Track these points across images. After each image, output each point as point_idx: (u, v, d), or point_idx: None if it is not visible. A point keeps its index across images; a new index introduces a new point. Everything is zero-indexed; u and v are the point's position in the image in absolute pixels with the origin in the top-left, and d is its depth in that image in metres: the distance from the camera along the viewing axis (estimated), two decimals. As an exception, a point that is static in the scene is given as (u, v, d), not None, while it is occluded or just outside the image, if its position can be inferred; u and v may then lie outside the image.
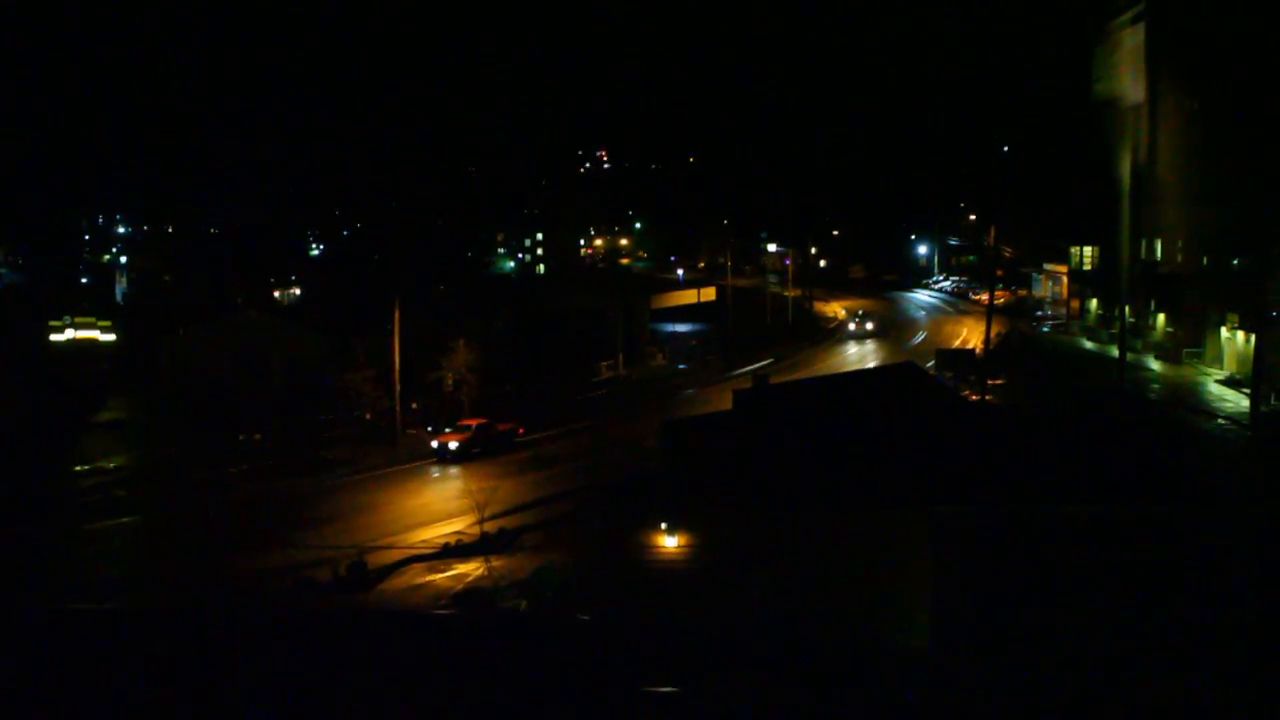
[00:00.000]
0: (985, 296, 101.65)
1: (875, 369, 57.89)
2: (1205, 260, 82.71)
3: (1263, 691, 26.47)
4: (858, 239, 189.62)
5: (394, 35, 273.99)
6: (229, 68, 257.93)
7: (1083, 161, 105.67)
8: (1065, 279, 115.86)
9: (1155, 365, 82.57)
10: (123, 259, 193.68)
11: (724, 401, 63.47)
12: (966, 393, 66.01)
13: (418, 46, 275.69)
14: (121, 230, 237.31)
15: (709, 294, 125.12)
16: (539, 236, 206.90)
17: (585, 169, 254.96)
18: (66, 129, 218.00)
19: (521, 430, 64.55)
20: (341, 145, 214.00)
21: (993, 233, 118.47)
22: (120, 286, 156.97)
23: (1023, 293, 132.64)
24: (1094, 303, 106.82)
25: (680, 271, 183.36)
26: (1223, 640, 26.49)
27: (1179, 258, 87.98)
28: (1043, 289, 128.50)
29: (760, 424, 35.32)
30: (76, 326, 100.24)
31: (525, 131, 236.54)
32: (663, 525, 28.55)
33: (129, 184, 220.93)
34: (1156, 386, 74.39)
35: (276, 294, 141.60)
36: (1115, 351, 72.20)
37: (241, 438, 65.18)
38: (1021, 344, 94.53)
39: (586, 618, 32.64)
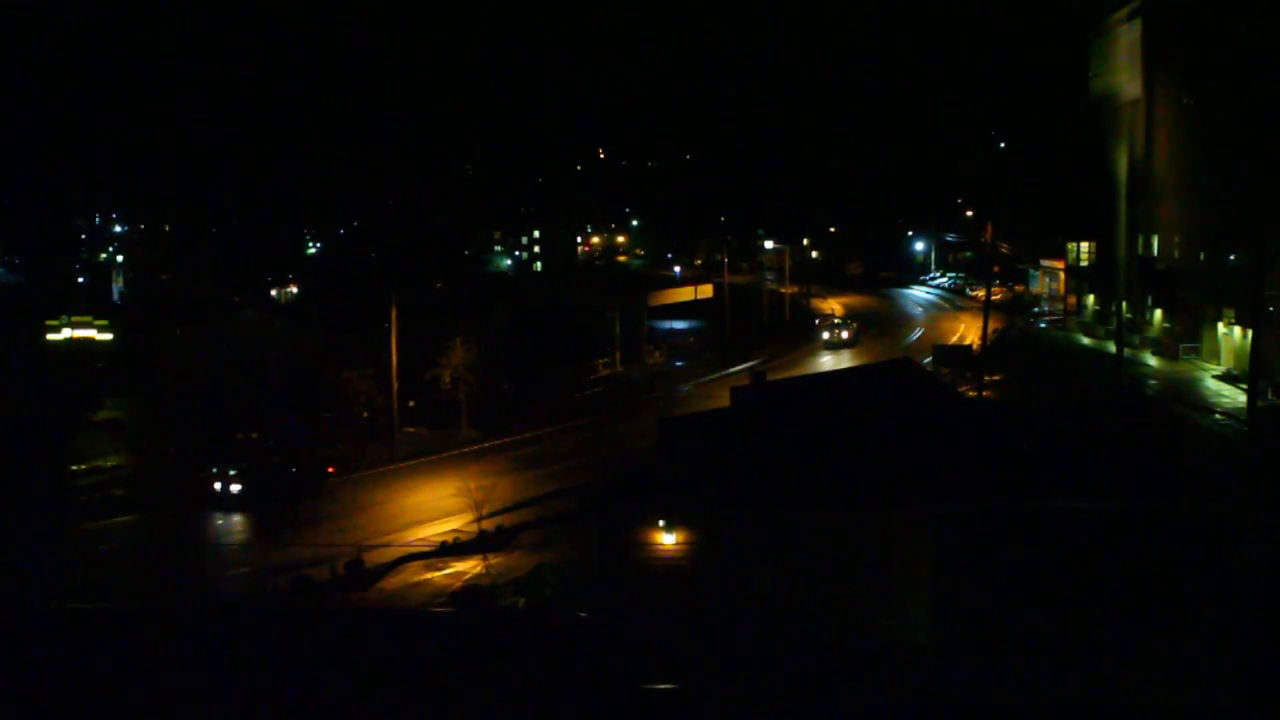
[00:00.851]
0: (982, 293, 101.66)
1: (873, 365, 57.82)
2: (1202, 256, 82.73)
3: (1262, 688, 26.48)
4: (855, 236, 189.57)
5: (390, 33, 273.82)
6: (226, 66, 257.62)
7: (1080, 157, 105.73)
8: (1062, 275, 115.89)
9: (1152, 361, 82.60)
10: (119, 258, 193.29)
11: (722, 399, 63.54)
12: (964, 389, 66.05)
13: (414, 44, 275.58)
14: (118, 229, 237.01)
15: (706, 291, 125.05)
16: (536, 234, 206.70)
17: (582, 166, 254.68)
18: (63, 128, 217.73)
19: (331, 470, 57.35)
20: (338, 143, 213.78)
21: (990, 229, 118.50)
22: (117, 285, 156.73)
23: (1020, 289, 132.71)
24: (1091, 298, 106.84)
25: (677, 269, 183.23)
26: (1222, 636, 26.50)
27: (1176, 253, 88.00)
28: (1040, 285, 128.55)
29: (758, 421, 35.30)
30: (73, 326, 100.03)
31: (522, 129, 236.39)
32: (661, 523, 28.52)
33: (126, 183, 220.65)
34: (1154, 382, 74.44)
35: (274, 292, 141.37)
36: (1113, 347, 72.24)
37: (238, 436, 65.10)
38: (1019, 340, 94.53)
39: (584, 615, 32.68)
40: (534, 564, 39.72)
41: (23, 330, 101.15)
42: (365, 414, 65.89)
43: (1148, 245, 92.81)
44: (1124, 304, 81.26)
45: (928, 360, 79.70)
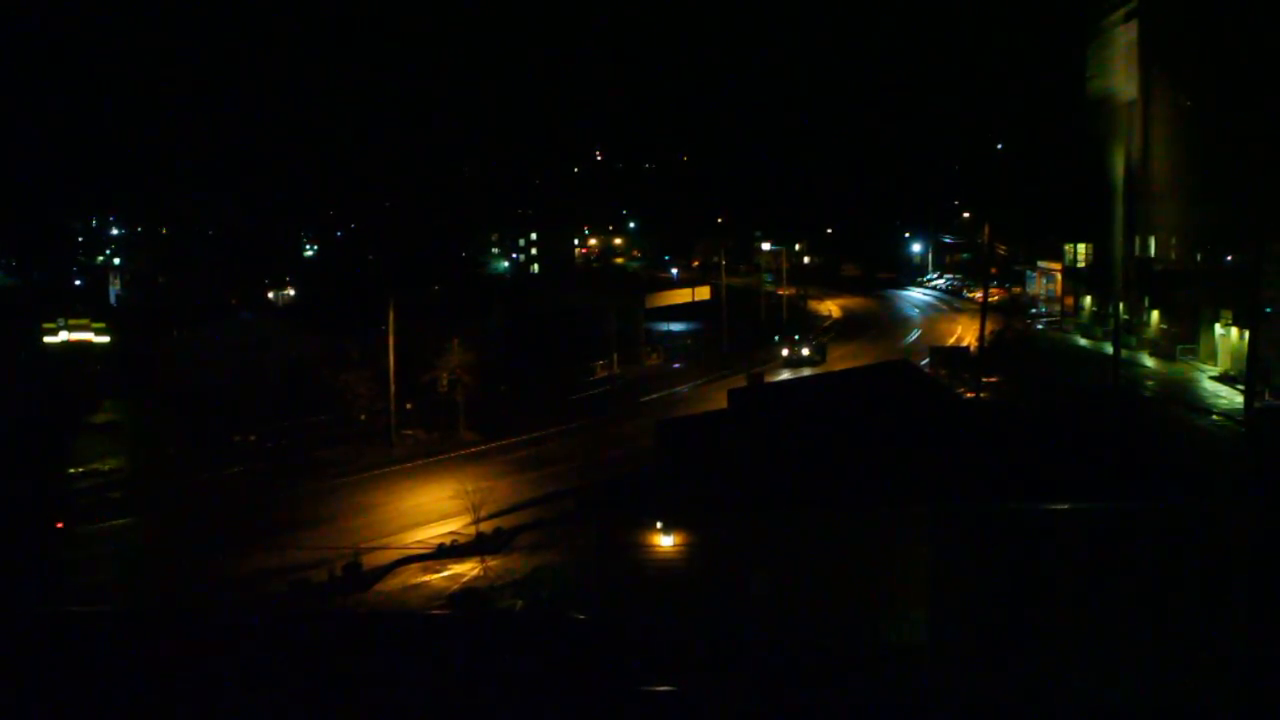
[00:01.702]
0: (979, 294, 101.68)
1: (870, 367, 57.75)
2: (1199, 257, 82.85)
3: (1261, 688, 26.50)
4: (852, 237, 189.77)
5: (387, 36, 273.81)
6: (223, 68, 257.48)
7: (1076, 159, 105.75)
8: (1059, 276, 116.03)
9: (1150, 362, 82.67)
10: (116, 260, 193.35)
11: (719, 400, 63.49)
12: (961, 390, 66.08)
13: (411, 47, 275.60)
14: (115, 232, 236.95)
15: (703, 293, 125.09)
16: (533, 236, 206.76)
17: (579, 168, 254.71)
18: (60, 131, 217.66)
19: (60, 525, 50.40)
20: (335, 146, 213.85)
21: (987, 230, 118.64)
22: (114, 288, 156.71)
23: (1017, 290, 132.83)
24: (1088, 300, 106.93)
25: (675, 270, 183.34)
26: (1220, 635, 26.52)
27: (1173, 254, 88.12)
28: (1037, 286, 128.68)
29: (756, 422, 35.29)
30: (70, 328, 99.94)
31: (519, 131, 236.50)
32: (659, 524, 28.50)
33: (123, 185, 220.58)
34: (1151, 383, 74.51)
35: (271, 295, 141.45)
36: (1110, 348, 72.22)
37: (236, 439, 65.10)
38: (1016, 341, 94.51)
39: (583, 617, 32.67)
40: (532, 566, 39.71)
41: (20, 333, 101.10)
42: (363, 416, 65.88)
43: (1145, 246, 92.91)
44: (1121, 305, 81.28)
45: (925, 362, 79.74)
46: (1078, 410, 58.07)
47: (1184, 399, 67.80)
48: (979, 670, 27.17)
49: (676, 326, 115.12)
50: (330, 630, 32.62)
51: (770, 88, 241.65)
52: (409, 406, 67.81)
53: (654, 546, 28.63)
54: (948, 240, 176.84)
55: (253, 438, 65.41)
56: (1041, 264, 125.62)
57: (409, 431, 66.58)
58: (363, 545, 44.21)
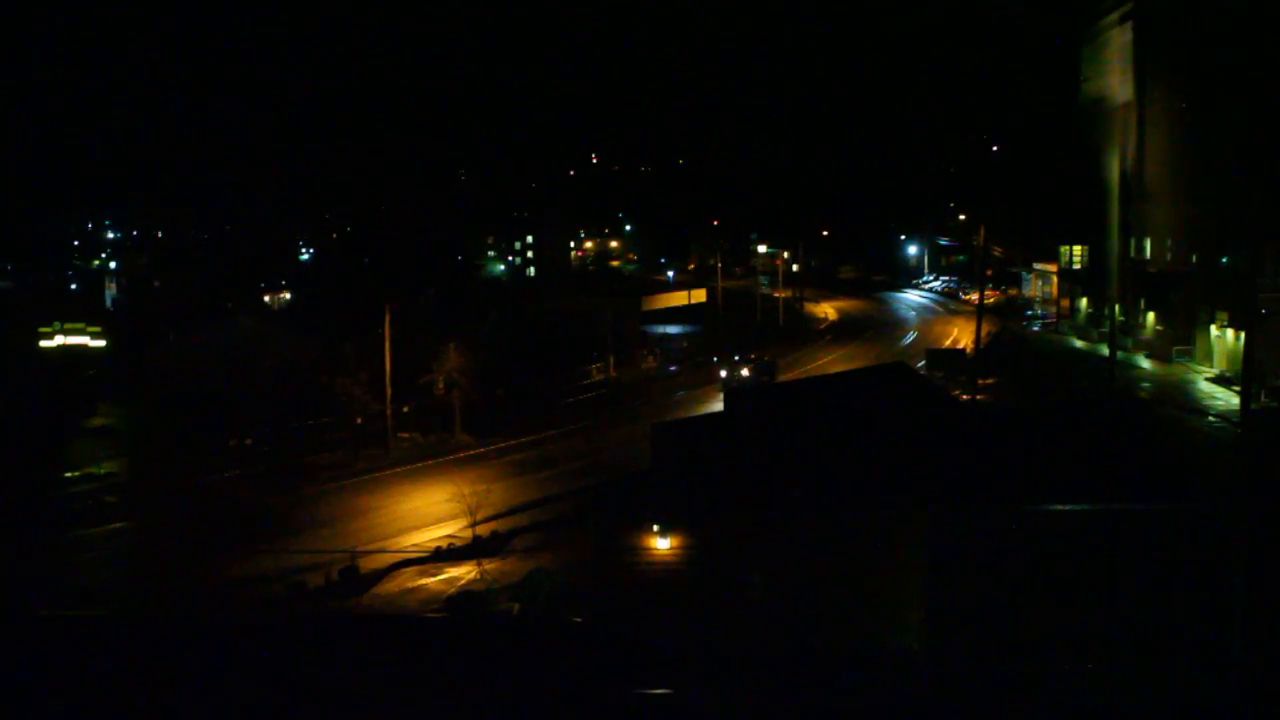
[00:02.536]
0: (975, 296, 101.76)
1: (866, 369, 57.81)
2: (1194, 258, 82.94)
3: (1260, 689, 26.51)
4: (848, 240, 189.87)
5: (384, 40, 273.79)
6: (220, 71, 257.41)
7: (1072, 161, 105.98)
8: (1055, 278, 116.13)
9: (1145, 364, 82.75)
10: (112, 264, 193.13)
11: (716, 403, 63.51)
12: (957, 393, 66.12)
13: (407, 51, 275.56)
14: (111, 235, 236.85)
15: (699, 296, 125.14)
16: (529, 239, 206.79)
17: (575, 172, 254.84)
18: (56, 135, 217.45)
19: None
20: (331, 149, 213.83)
21: (983, 232, 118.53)
22: (110, 292, 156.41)
23: (1013, 292, 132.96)
24: (1084, 301, 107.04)
25: (670, 273, 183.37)
26: (1218, 637, 26.53)
27: (1168, 256, 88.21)
28: (1033, 288, 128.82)
29: (752, 425, 35.29)
30: (66, 332, 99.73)
31: (515, 134, 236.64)
32: (655, 527, 28.49)
33: (118, 189, 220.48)
34: (1147, 385, 74.57)
35: (266, 298, 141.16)
36: (1105, 350, 72.32)
37: (232, 443, 65.00)
38: (1012, 343, 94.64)
39: (580, 620, 32.66)
40: (529, 569, 39.66)
41: (15, 337, 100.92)
42: (359, 420, 65.80)
43: (1140, 248, 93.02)
44: (1117, 307, 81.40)
45: (921, 364, 79.80)
46: (1074, 412, 58.06)
47: (1180, 400, 67.87)
48: (976, 671, 27.17)
49: (672, 329, 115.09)
50: (327, 634, 32.58)
51: (766, 91, 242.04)
52: (405, 410, 67.75)
53: (651, 549, 28.62)
54: (944, 242, 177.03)
55: (249, 441, 65.32)
56: (1037, 266, 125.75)
57: (405, 435, 66.53)
58: (359, 549, 44.17)
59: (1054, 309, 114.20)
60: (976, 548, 27.64)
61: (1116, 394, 65.88)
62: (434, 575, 42.24)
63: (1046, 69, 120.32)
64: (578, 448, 63.75)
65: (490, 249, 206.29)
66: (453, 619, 36.33)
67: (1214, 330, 77.44)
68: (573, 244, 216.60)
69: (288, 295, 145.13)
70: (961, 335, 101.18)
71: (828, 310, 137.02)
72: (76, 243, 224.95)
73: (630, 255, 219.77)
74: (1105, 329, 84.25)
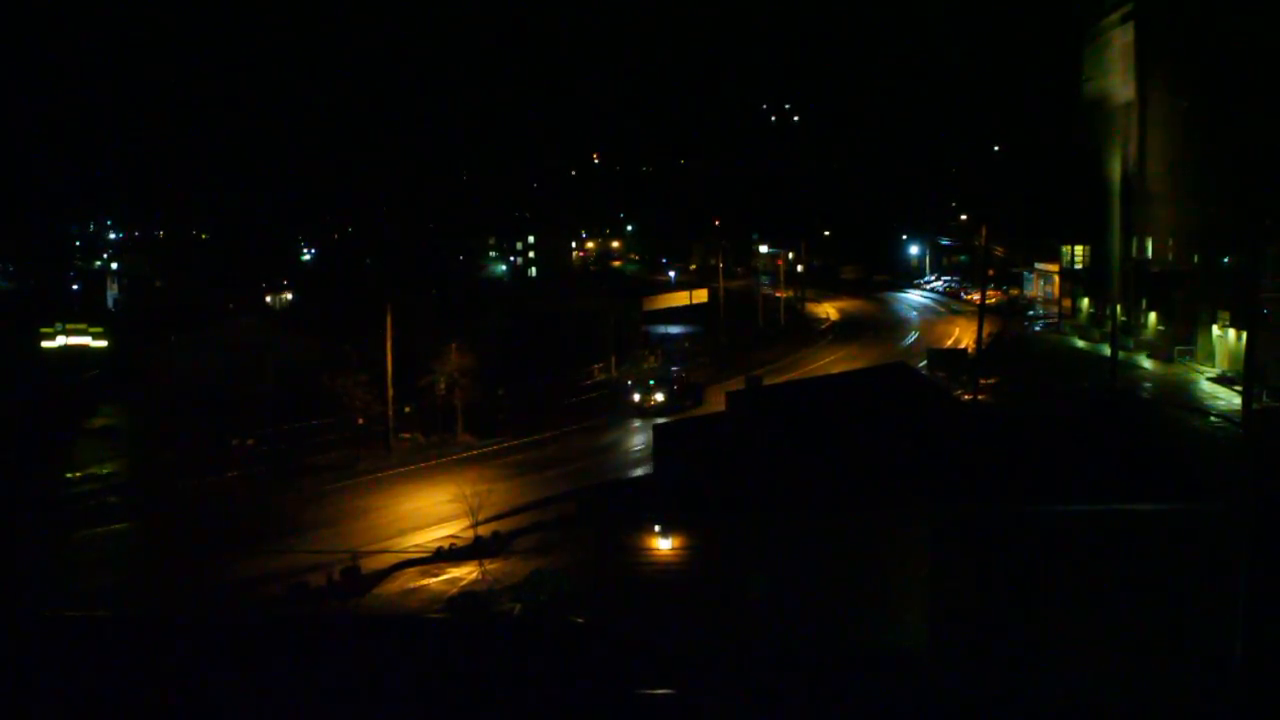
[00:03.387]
0: (977, 296, 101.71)
1: (868, 369, 57.81)
2: (1196, 258, 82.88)
3: (1260, 689, 26.49)
4: (850, 240, 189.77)
5: (386, 40, 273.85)
6: (221, 72, 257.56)
7: (1073, 161, 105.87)
8: (1057, 278, 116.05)
9: (1147, 364, 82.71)
10: (114, 265, 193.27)
11: (717, 403, 63.38)
12: (959, 393, 66.09)
13: (409, 51, 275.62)
14: (113, 236, 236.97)
15: (701, 296, 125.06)
16: (530, 239, 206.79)
17: (576, 172, 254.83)
18: (58, 135, 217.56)
19: None
20: (333, 150, 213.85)
21: (984, 232, 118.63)
22: (112, 292, 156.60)
23: (1015, 292, 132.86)
24: (1086, 301, 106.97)
25: (672, 273, 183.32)
26: (1220, 637, 26.51)
27: (1170, 256, 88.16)
28: (1034, 288, 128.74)
29: (754, 425, 35.27)
30: (68, 333, 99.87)
31: (517, 134, 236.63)
32: (657, 528, 28.48)
33: (120, 190, 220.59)
34: (1149, 385, 74.54)
35: (268, 299, 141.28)
36: (1107, 350, 72.21)
37: (234, 443, 64.99)
38: (1014, 343, 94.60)
39: (581, 621, 32.66)
40: (530, 569, 39.68)
41: (17, 337, 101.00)
42: (361, 420, 65.82)
43: (1142, 248, 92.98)
44: (1118, 307, 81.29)
45: (923, 364, 79.77)
46: (1075, 412, 58.06)
47: (1182, 400, 67.82)
48: (978, 672, 27.16)
49: (674, 329, 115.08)
50: (328, 634, 32.59)
51: (768, 91, 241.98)
52: (407, 410, 67.76)
53: (652, 549, 28.61)
54: (945, 242, 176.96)
55: (250, 442, 65.32)
56: (1039, 266, 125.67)
57: (407, 435, 66.55)
58: (361, 549, 44.17)
59: (1055, 309, 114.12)
60: (978, 548, 27.63)
61: (1118, 394, 65.83)
62: (435, 576, 42.26)
63: (1048, 69, 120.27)
64: (579, 448, 63.74)
65: (491, 249, 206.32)
66: (454, 619, 36.35)
67: (1216, 330, 77.40)
68: (574, 244, 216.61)
69: (289, 295, 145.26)
70: (963, 335, 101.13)
71: (829, 310, 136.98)
72: (78, 243, 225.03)
73: (632, 255, 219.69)
74: (1107, 329, 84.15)
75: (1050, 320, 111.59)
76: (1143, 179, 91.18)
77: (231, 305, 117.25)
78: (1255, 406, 58.70)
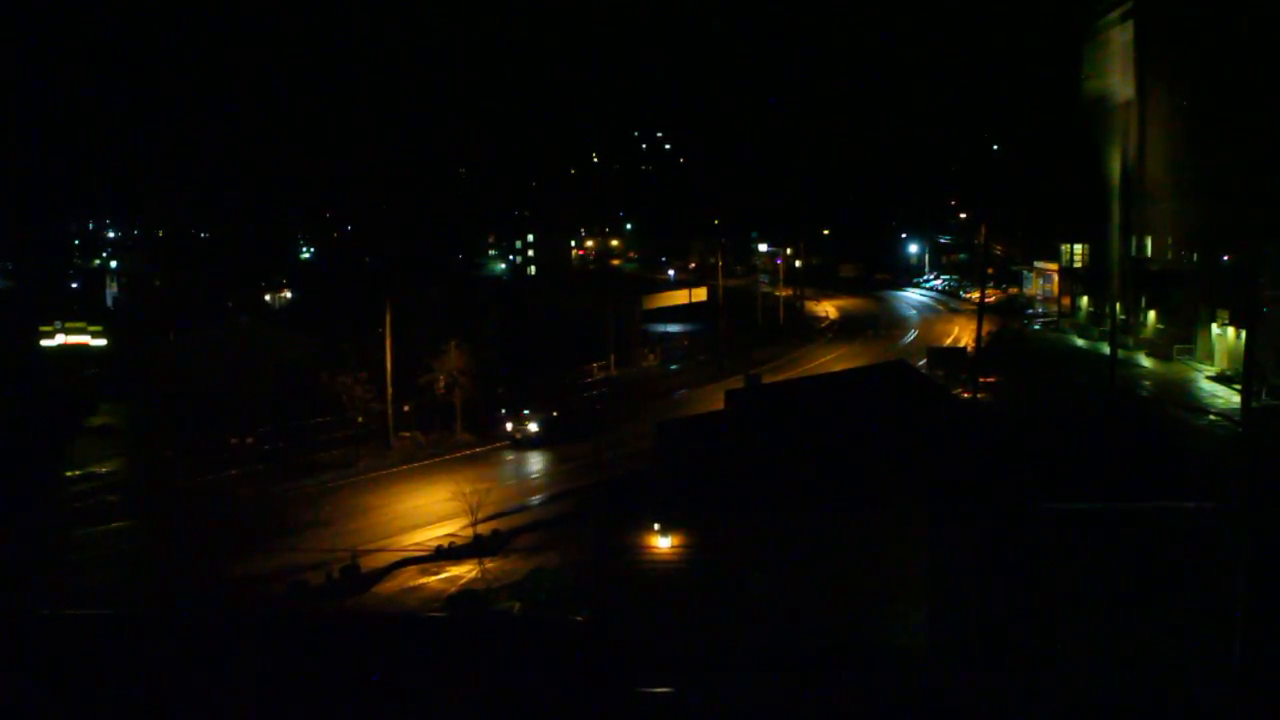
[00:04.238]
0: (976, 294, 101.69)
1: (867, 367, 57.69)
2: (1195, 257, 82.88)
3: (1260, 689, 26.48)
4: (849, 238, 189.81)
5: (384, 38, 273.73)
6: (220, 70, 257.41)
7: (1073, 159, 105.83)
8: (1056, 276, 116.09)
9: (1146, 362, 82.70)
10: (113, 263, 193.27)
11: (717, 401, 63.33)
12: (958, 391, 66.06)
13: (408, 49, 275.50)
14: (112, 234, 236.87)
15: (700, 294, 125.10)
16: (530, 238, 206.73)
17: (576, 170, 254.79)
18: (56, 134, 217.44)
19: None
20: (332, 148, 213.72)
21: (984, 230, 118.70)
22: (110, 291, 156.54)
23: (1014, 290, 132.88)
24: (1085, 300, 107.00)
25: (671, 272, 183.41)
26: (1219, 636, 26.51)
27: (1169, 255, 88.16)
28: (1034, 287, 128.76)
29: (754, 423, 35.25)
30: (67, 331, 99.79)
31: (516, 133, 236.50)
32: (656, 526, 28.48)
33: (119, 188, 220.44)
34: (1148, 383, 74.54)
35: (267, 297, 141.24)
36: (1106, 349, 72.22)
37: (233, 441, 64.96)
38: (1013, 342, 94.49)
39: (580, 619, 32.64)
40: (530, 568, 39.67)
41: (16, 336, 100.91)
42: (360, 418, 65.81)
43: (1141, 246, 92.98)
44: (1118, 305, 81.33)
45: (922, 362, 79.72)
46: (1075, 410, 58.07)
47: (1181, 399, 67.81)
48: (978, 670, 27.15)
49: (673, 328, 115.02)
50: (328, 633, 32.58)
51: (767, 89, 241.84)
52: (406, 408, 67.72)
53: (652, 548, 28.61)
54: (944, 241, 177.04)
55: (250, 440, 65.27)
56: (1038, 264, 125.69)
57: (406, 433, 66.52)
58: (360, 548, 44.15)
59: (1055, 307, 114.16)
60: (978, 546, 27.63)
61: (1118, 392, 65.84)
62: (435, 574, 42.26)
63: (1048, 67, 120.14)
64: (579, 446, 63.65)
65: (491, 248, 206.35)
66: (453, 618, 36.32)
67: (1215, 329, 77.39)
68: (573, 243, 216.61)
69: (288, 294, 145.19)
70: (962, 334, 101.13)
71: (829, 309, 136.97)
72: (77, 242, 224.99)
73: (631, 254, 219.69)
74: (1106, 327, 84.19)
75: (1049, 319, 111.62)
76: (1142, 177, 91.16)
77: (230, 304, 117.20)
78: (1254, 405, 58.79)
